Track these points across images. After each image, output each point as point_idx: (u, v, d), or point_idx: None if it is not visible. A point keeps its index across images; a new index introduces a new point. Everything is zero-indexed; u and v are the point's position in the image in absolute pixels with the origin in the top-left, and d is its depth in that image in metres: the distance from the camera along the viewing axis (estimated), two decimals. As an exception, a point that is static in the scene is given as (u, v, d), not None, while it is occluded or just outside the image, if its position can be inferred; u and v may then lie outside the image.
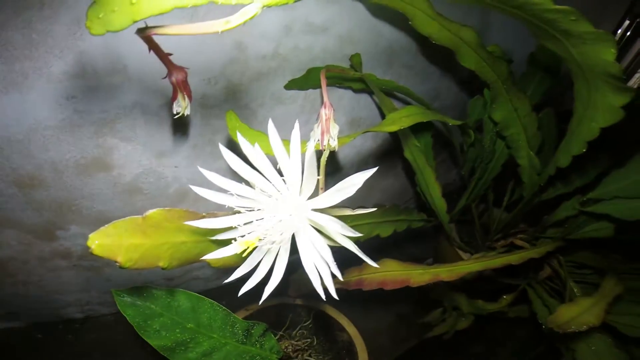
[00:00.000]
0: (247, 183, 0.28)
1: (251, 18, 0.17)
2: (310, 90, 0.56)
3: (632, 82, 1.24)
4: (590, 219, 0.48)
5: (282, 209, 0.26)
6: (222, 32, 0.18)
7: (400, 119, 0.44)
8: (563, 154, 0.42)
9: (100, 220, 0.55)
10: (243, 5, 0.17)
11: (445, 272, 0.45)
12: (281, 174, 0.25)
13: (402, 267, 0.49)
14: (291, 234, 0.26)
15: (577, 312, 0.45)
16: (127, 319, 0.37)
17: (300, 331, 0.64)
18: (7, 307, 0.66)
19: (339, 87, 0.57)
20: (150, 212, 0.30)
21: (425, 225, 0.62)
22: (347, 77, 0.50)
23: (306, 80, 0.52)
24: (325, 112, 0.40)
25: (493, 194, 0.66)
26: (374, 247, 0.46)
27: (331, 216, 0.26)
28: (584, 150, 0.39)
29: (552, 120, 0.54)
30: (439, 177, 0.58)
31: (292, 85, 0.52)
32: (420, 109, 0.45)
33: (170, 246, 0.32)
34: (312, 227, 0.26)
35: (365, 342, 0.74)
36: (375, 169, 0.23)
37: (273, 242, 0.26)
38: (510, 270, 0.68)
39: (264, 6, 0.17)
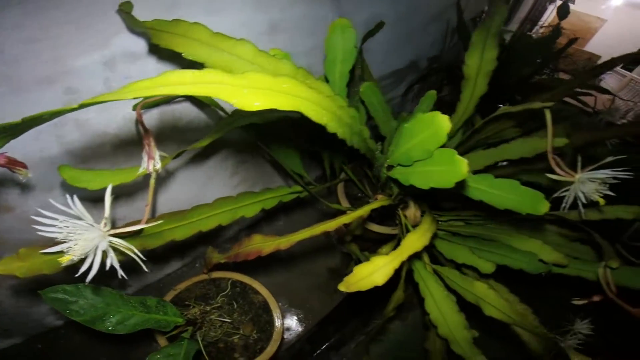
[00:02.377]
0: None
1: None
2: (163, 106, 0.70)
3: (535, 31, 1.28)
4: (393, 181, 0.64)
5: (89, 236, 0.44)
6: None
7: (216, 132, 0.59)
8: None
9: (25, 245, 0.75)
10: None
11: (284, 242, 0.62)
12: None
13: (261, 240, 0.68)
14: (100, 249, 0.45)
15: (369, 272, 0.49)
16: (54, 307, 0.56)
17: (221, 299, 0.86)
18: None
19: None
20: (20, 250, 0.49)
21: (298, 196, 0.80)
22: (173, 97, 0.64)
23: (153, 101, 0.65)
24: (146, 142, 0.55)
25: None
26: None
27: (121, 238, 0.44)
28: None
29: (376, 93, 0.67)
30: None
31: (145, 106, 0.65)
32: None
33: (43, 262, 0.52)
34: (110, 243, 0.45)
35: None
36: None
37: (94, 253, 0.45)
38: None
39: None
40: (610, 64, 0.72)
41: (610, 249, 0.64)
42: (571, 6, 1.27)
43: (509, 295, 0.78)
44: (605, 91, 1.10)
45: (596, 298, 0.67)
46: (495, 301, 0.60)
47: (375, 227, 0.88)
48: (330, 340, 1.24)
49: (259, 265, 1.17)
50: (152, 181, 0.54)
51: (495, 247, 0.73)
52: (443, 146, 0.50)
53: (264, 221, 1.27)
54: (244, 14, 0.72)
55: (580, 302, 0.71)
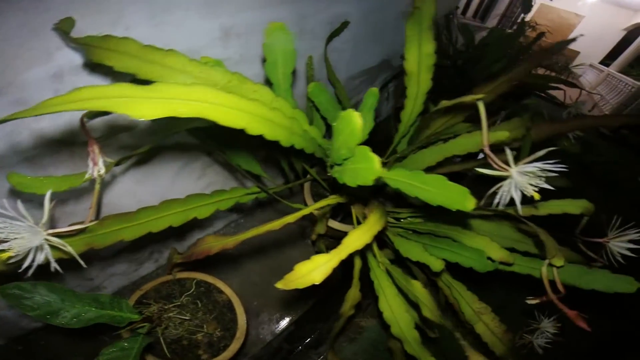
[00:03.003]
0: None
1: None
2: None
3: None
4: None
5: (27, 235, 0.49)
6: None
7: (157, 137, 0.64)
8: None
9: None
10: None
11: (231, 242, 0.67)
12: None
13: (212, 240, 0.73)
14: (38, 245, 0.50)
15: (309, 270, 0.51)
16: (8, 302, 0.62)
17: (185, 298, 0.92)
18: (-22, 330, 0.96)
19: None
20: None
21: (258, 197, 0.84)
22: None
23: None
24: (90, 149, 0.61)
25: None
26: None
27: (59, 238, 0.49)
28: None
29: (324, 92, 0.71)
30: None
31: (89, 115, 0.71)
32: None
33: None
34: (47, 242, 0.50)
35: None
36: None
37: (35, 250, 0.51)
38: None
39: None
40: (551, 50, 0.73)
41: (555, 246, 0.65)
42: (550, 3, 1.29)
43: (465, 293, 0.80)
44: (572, 84, 1.11)
45: (546, 298, 0.69)
46: (428, 301, 0.62)
47: (336, 225, 0.92)
48: (308, 339, 1.28)
49: (232, 266, 1.22)
50: (96, 186, 0.60)
51: (447, 244, 0.75)
52: (376, 145, 0.53)
53: (240, 222, 1.32)
54: (192, 21, 0.77)
55: (534, 301, 0.72)
